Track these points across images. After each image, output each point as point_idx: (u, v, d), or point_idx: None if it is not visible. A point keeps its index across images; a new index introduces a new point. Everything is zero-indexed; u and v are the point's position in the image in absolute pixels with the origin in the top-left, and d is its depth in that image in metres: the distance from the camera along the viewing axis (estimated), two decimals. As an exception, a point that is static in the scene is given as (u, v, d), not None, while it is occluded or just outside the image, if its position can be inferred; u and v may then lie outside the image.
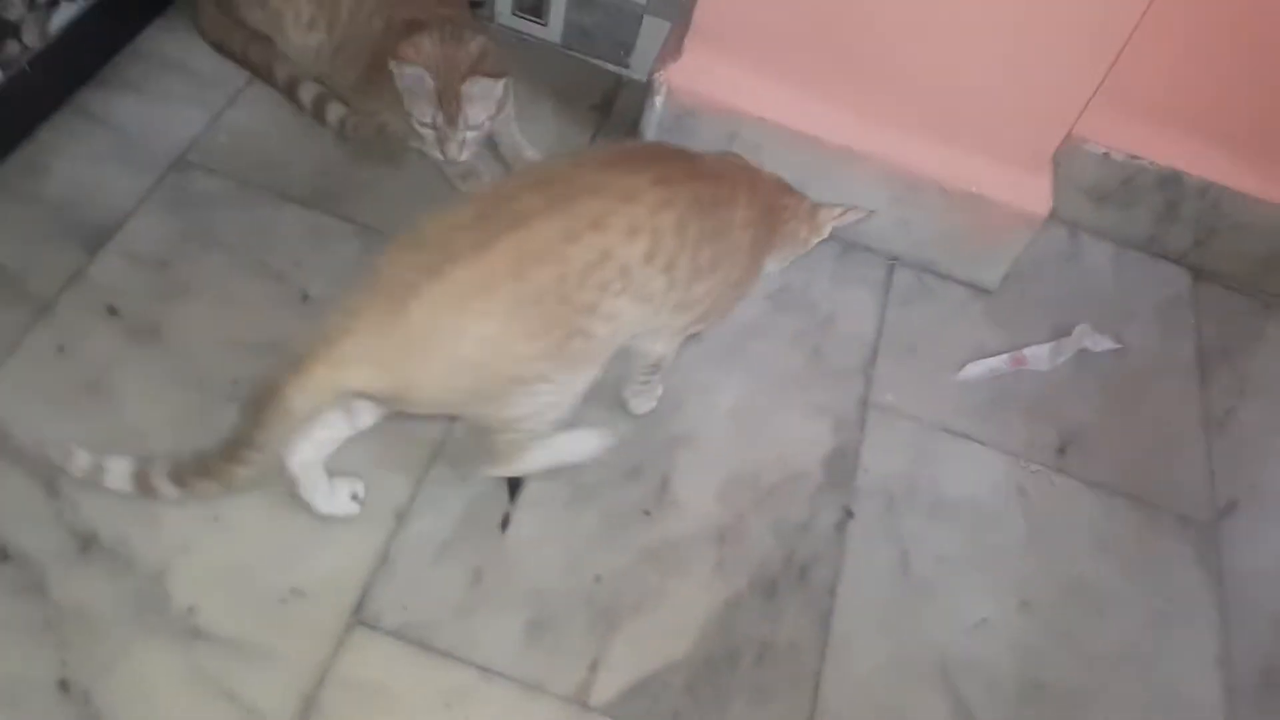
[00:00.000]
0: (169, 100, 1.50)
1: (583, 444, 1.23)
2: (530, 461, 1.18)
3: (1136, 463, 1.42)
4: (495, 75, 1.34)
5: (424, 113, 1.35)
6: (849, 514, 1.29)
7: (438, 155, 1.40)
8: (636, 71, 1.70)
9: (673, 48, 1.48)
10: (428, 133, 1.37)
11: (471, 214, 1.00)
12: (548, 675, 1.10)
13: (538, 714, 1.08)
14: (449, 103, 1.33)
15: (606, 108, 1.67)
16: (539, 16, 1.69)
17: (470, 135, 1.37)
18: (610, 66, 1.72)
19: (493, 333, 0.98)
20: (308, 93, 1.51)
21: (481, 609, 1.14)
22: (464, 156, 1.39)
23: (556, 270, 0.98)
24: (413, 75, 1.32)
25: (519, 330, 0.99)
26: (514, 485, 1.21)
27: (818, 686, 1.15)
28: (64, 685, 1.01)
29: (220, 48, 1.55)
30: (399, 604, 1.12)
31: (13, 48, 1.34)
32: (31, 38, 1.37)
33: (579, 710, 1.09)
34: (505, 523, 1.20)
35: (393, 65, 1.32)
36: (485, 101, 1.36)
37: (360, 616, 1.11)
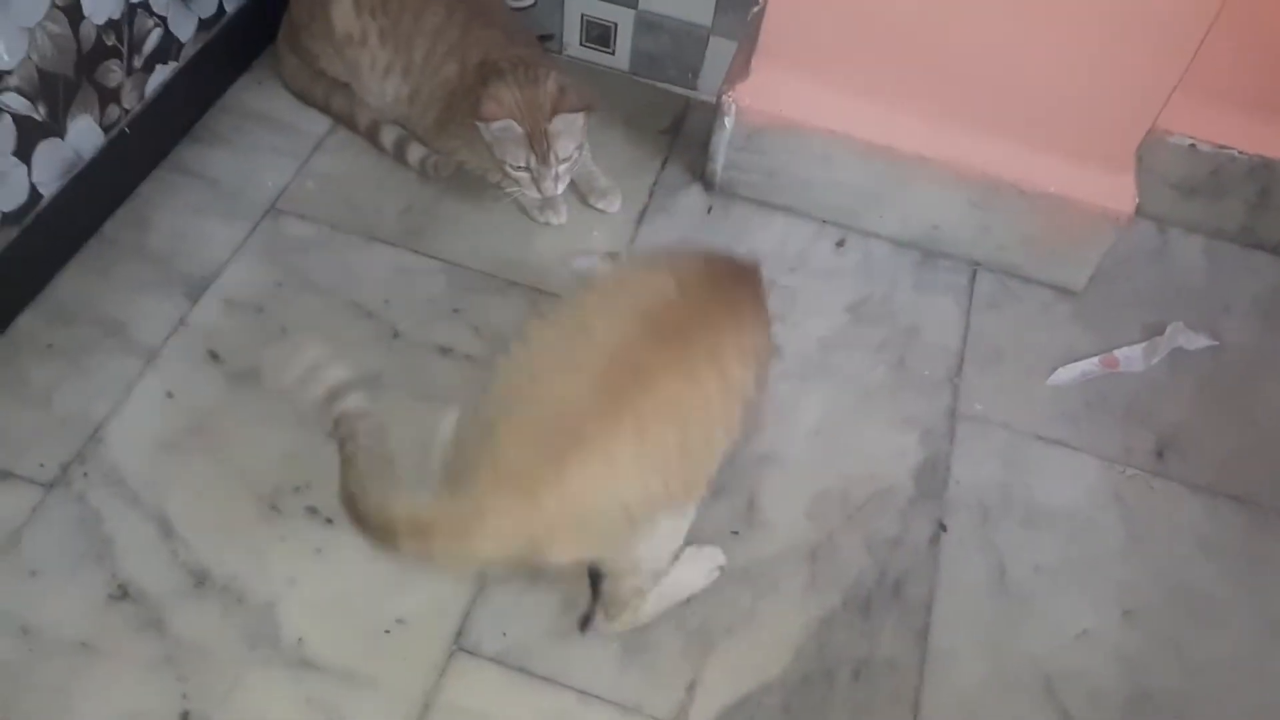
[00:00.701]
0: (258, 151, 1.56)
1: (700, 572, 1.20)
2: (653, 606, 1.14)
3: (1240, 463, 1.37)
4: (578, 109, 1.37)
5: (517, 158, 1.39)
6: (942, 527, 1.27)
7: (534, 194, 1.43)
8: (704, 92, 1.72)
9: (740, 67, 1.49)
10: (523, 175, 1.41)
11: (587, 382, 0.93)
12: (645, 698, 1.12)
13: (637, 736, 1.10)
14: (539, 143, 1.37)
15: (676, 130, 1.69)
16: (606, 46, 1.72)
17: (562, 169, 1.41)
18: (678, 89, 1.74)
19: (625, 500, 0.94)
20: (388, 136, 1.56)
21: (577, 634, 1.15)
22: (560, 190, 1.43)
23: (681, 422, 0.95)
24: (500, 128, 1.36)
25: (650, 487, 0.95)
26: (595, 580, 1.16)
27: (918, 703, 1.14)
28: (185, 717, 1.06)
29: (303, 98, 1.62)
30: (498, 631, 1.15)
31: (113, 112, 1.42)
32: (130, 100, 1.44)
33: (677, 732, 1.10)
34: (585, 624, 1.15)
35: (479, 126, 1.37)
36: (572, 134, 1.39)
37: (461, 644, 1.14)
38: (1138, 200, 1.43)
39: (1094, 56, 1.32)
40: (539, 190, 1.42)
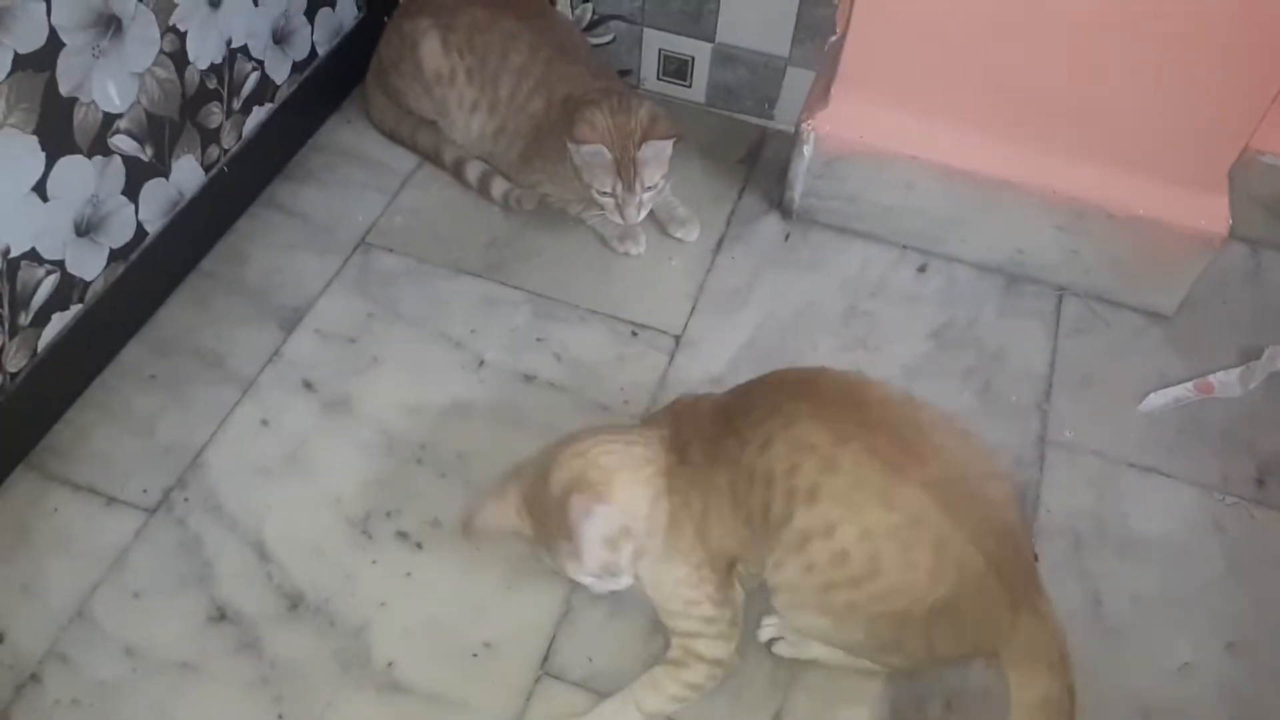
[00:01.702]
0: (348, 187, 1.61)
1: None
2: None
3: (1347, 491, 1.32)
4: (667, 137, 1.40)
5: (604, 183, 1.41)
6: (1034, 556, 1.24)
7: (618, 220, 1.46)
8: (781, 122, 1.73)
9: (819, 95, 1.50)
10: (607, 201, 1.43)
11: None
12: (733, 725, 1.11)
13: (724, 764, 1.09)
14: (626, 170, 1.39)
15: (753, 160, 1.70)
16: (683, 79, 1.74)
17: (646, 196, 1.43)
18: (754, 120, 1.75)
19: None
20: (473, 171, 1.60)
21: (661, 659, 1.15)
22: (641, 217, 1.45)
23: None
24: (590, 152, 1.39)
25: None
26: None
27: (1011, 735, 1.11)
28: (281, 736, 1.09)
29: (391, 135, 1.67)
30: (583, 655, 1.15)
31: (213, 151, 1.48)
32: (229, 140, 1.51)
33: (765, 760, 1.09)
34: None
35: (571, 147, 1.40)
36: (659, 162, 1.42)
37: (548, 669, 1.14)
38: (1230, 222, 1.39)
39: (1185, 76, 1.30)
40: (621, 216, 1.44)
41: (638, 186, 1.40)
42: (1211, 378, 1.42)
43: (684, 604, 1.09)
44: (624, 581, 1.07)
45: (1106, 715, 1.13)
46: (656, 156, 1.41)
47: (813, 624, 1.05)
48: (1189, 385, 1.41)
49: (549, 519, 1.05)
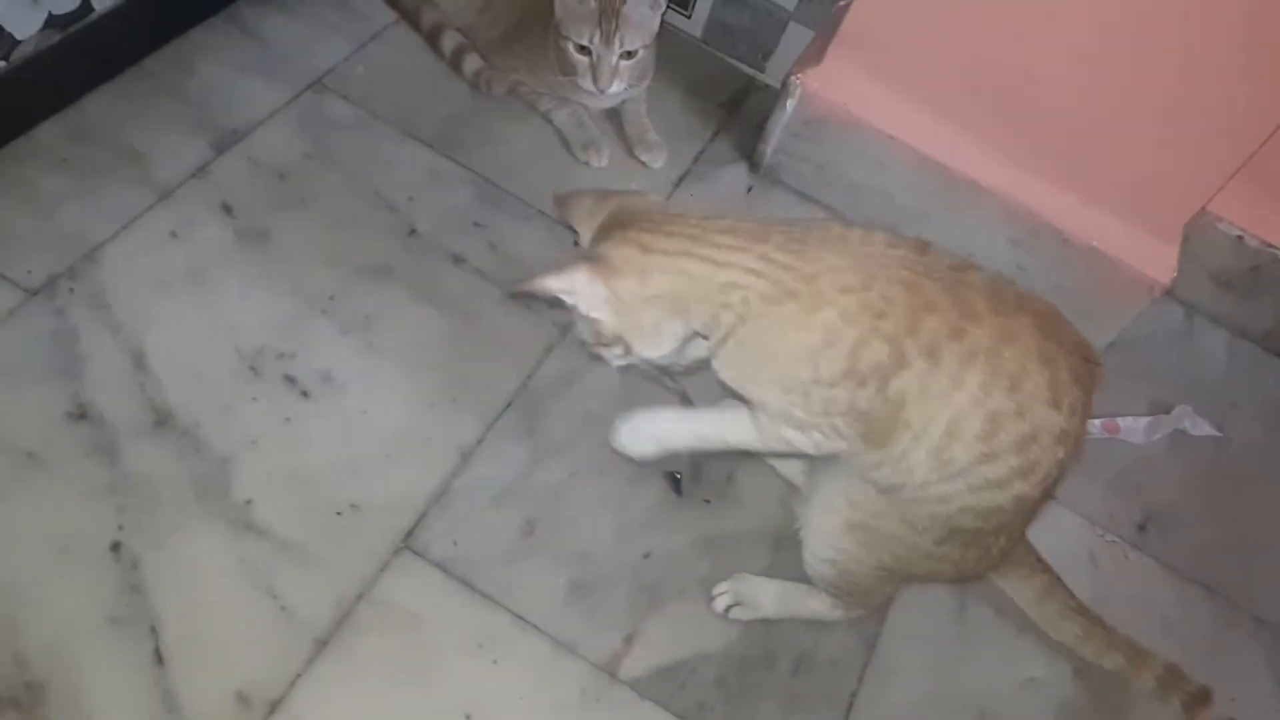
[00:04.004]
0: (318, 25, 1.53)
1: None
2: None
3: (1220, 555, 1.35)
4: None
5: (582, 34, 1.37)
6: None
7: (589, 87, 1.41)
8: (770, 77, 1.70)
9: (814, 54, 1.48)
10: (581, 60, 1.39)
11: None
12: (581, 638, 1.09)
13: (566, 673, 1.07)
14: (608, 21, 1.35)
15: (734, 107, 1.67)
16: (685, 8, 1.70)
17: (623, 65, 1.39)
18: (745, 68, 1.72)
19: None
20: (449, 41, 1.53)
21: (528, 560, 1.13)
22: (613, 89, 1.41)
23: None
24: None
25: None
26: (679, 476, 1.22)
27: (851, 707, 1.11)
28: (115, 548, 1.03)
29: (375, -15, 1.59)
30: (449, 538, 1.12)
31: (185, -53, 1.39)
32: (202, -59, 1.42)
33: (607, 680, 1.07)
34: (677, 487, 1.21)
35: None
36: (642, 27, 1.38)
37: (410, 543, 1.11)
38: (1176, 274, 1.41)
39: (1164, 122, 1.31)
40: (594, 81, 1.39)
41: (616, 42, 1.36)
42: (1119, 420, 1.44)
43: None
44: (622, 360, 1.00)
45: (944, 708, 1.15)
46: (641, 19, 1.37)
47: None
48: (1096, 422, 1.43)
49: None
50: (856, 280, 0.91)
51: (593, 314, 0.96)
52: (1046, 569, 1.18)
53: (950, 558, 1.02)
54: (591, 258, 0.95)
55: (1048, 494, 1.00)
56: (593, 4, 1.35)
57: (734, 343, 0.94)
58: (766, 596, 1.15)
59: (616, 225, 0.97)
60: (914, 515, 0.98)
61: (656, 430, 1.03)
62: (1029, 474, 0.93)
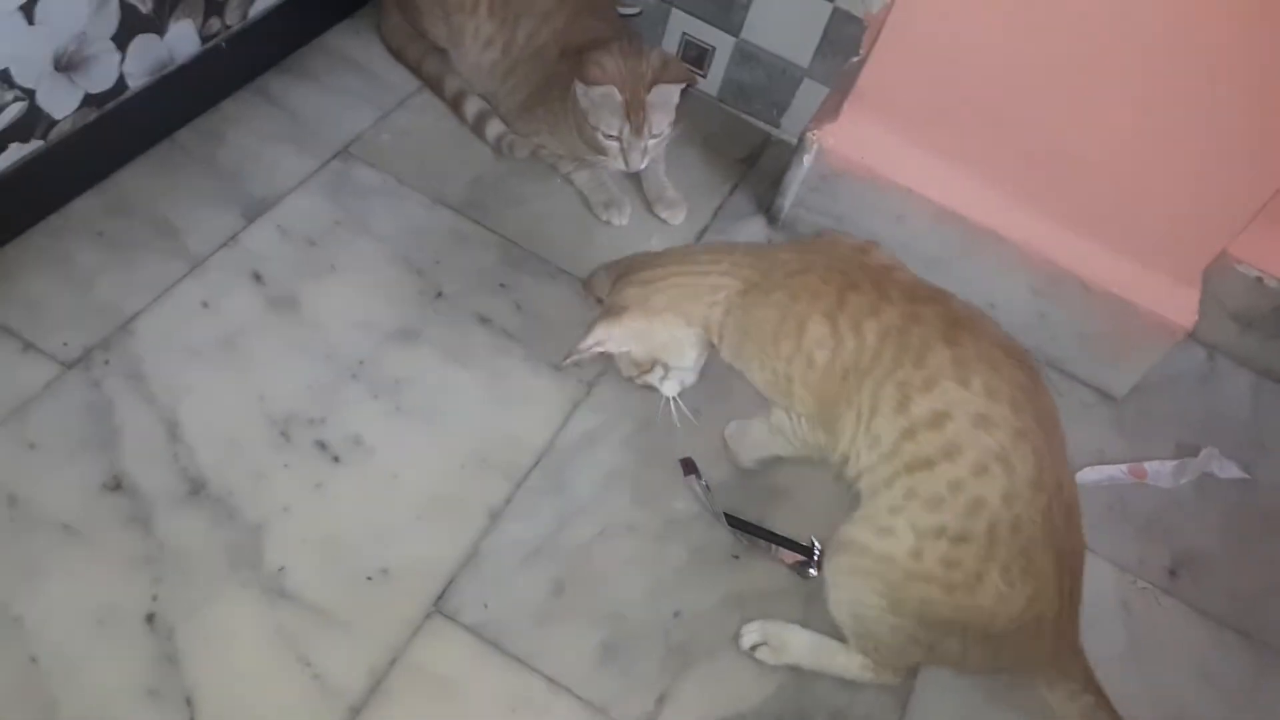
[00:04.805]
0: (343, 94, 1.57)
1: None
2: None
3: (1254, 598, 1.34)
4: (677, 80, 1.39)
5: (610, 126, 1.40)
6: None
7: (620, 165, 1.44)
8: (786, 133, 1.72)
9: (830, 110, 1.50)
10: (612, 145, 1.42)
11: None
12: (614, 700, 1.09)
13: (599, 736, 1.07)
14: (635, 113, 1.38)
15: (752, 162, 1.69)
16: (700, 68, 1.73)
17: (651, 143, 1.42)
18: (761, 124, 1.74)
19: None
20: (472, 107, 1.57)
21: (559, 622, 1.13)
22: (643, 165, 1.44)
23: None
24: (601, 94, 1.37)
25: None
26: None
27: (887, 765, 1.10)
28: (150, 619, 1.04)
29: (398, 55, 1.63)
30: (480, 601, 1.12)
31: (214, 24, 1.43)
32: (233, 18, 1.46)
33: (640, 741, 1.07)
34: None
35: (579, 90, 1.38)
36: (667, 108, 1.41)
37: (441, 606, 1.11)
38: (1197, 318, 1.41)
39: (1182, 168, 1.32)
40: (625, 161, 1.42)
41: (645, 130, 1.39)
42: (1146, 465, 1.43)
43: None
44: (665, 387, 1.24)
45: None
46: (665, 102, 1.40)
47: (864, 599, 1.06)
48: (1123, 467, 1.43)
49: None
50: (800, 266, 1.12)
51: (623, 349, 1.20)
52: (1097, 689, 1.10)
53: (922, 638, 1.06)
54: (605, 310, 1.20)
55: (1050, 538, 1.03)
56: (619, 98, 1.37)
57: (726, 331, 1.17)
58: (795, 642, 1.15)
59: (620, 277, 1.22)
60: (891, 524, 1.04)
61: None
62: (954, 455, 0.99)
